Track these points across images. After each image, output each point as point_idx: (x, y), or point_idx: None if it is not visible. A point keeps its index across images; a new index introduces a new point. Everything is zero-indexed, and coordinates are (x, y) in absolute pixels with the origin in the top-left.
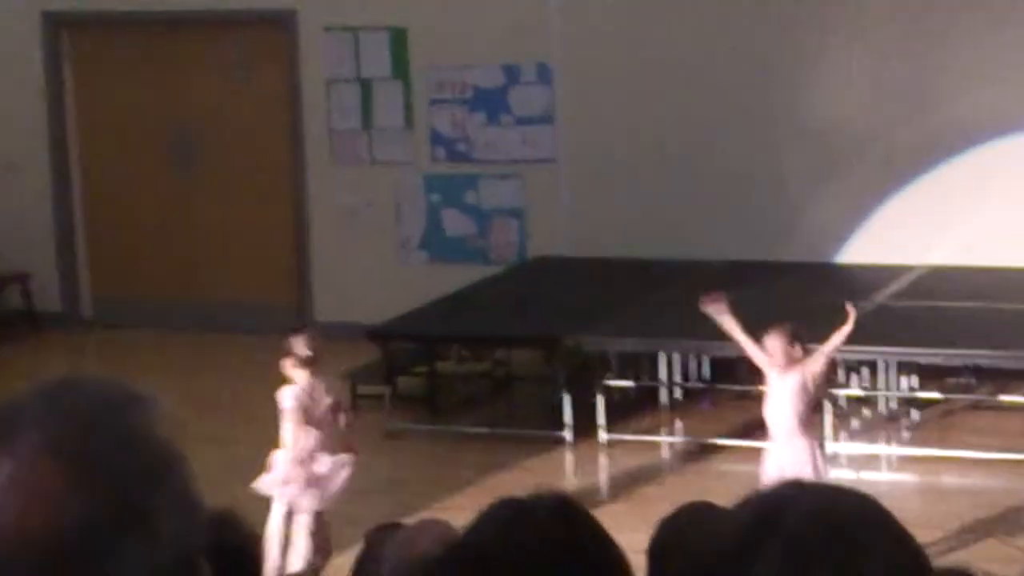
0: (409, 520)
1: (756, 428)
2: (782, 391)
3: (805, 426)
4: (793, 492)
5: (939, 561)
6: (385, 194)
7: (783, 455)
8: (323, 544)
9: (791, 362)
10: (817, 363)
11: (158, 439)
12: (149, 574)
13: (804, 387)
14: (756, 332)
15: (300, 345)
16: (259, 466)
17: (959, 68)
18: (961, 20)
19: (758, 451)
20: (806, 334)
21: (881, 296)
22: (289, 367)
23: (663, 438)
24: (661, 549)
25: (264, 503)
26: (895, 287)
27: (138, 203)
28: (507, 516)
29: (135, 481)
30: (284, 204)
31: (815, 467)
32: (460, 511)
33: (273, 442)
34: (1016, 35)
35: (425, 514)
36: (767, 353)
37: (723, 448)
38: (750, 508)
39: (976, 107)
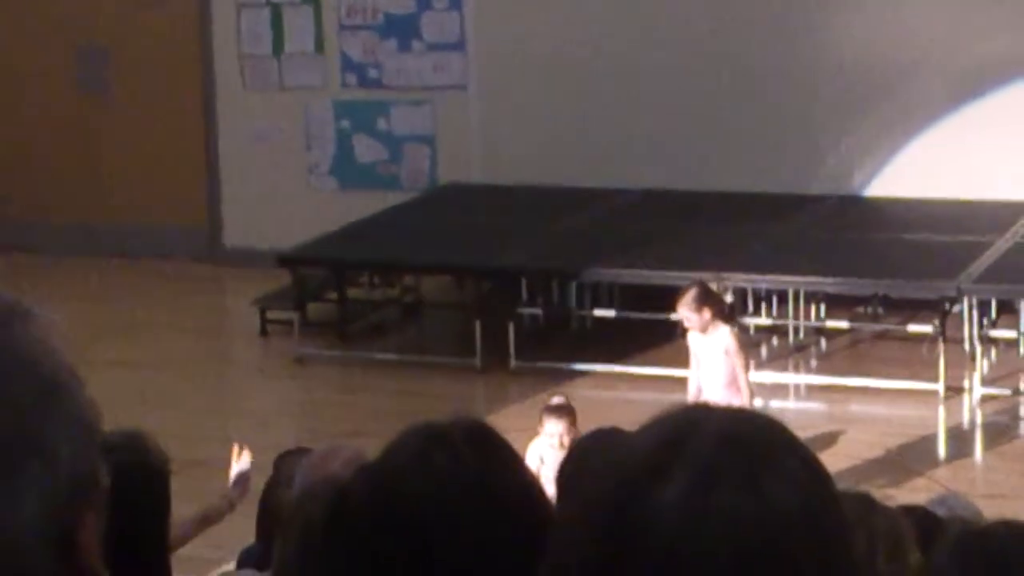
0: (318, 446)
1: (665, 357)
2: (705, 352)
3: (734, 386)
4: (700, 415)
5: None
6: (296, 120)
7: None
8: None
9: (706, 325)
10: (731, 341)
11: (48, 359)
12: (46, 500)
13: (726, 351)
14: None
15: None
16: (167, 389)
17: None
18: None
19: (669, 379)
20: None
21: (792, 225)
22: None
23: (574, 365)
24: (569, 475)
25: (162, 423)
26: (805, 216)
27: (46, 125)
28: (422, 440)
29: (25, 406)
30: (194, 129)
31: None
32: (370, 437)
33: (180, 366)
34: None
35: (334, 440)
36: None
37: (633, 376)
38: (657, 431)
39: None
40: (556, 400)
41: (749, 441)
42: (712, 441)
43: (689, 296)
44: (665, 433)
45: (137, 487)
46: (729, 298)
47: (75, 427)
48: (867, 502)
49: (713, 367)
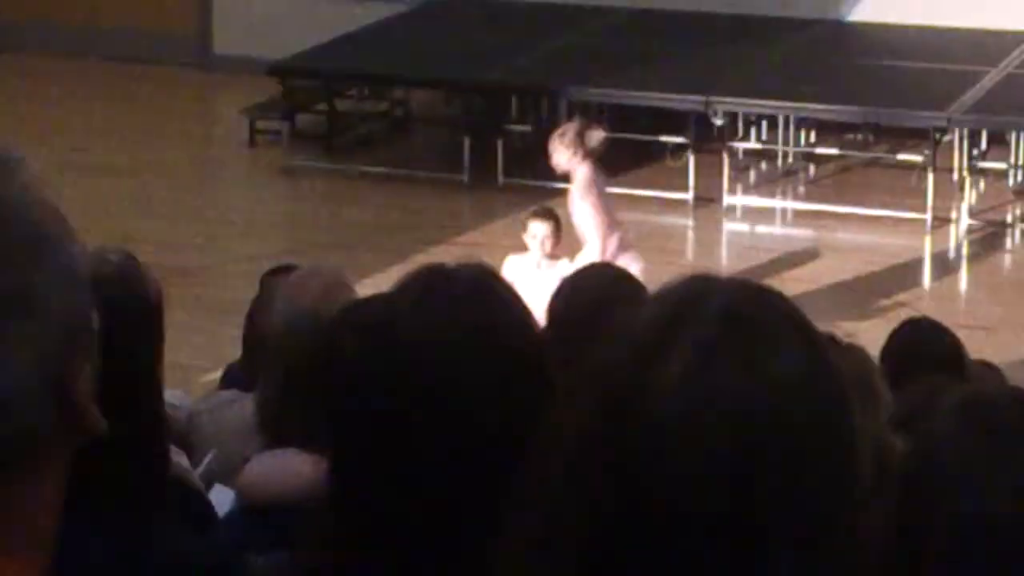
0: (304, 259)
1: (651, 178)
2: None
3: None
4: (702, 291)
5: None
6: None
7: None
8: None
9: (573, 165)
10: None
11: (33, 207)
12: (38, 351)
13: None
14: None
15: None
16: (153, 196)
17: None
18: None
19: (654, 200)
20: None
21: (783, 50)
22: None
23: (561, 184)
24: (567, 324)
25: (150, 230)
26: (797, 40)
27: None
28: (423, 284)
29: (12, 260)
30: None
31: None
32: (355, 250)
33: (168, 173)
34: None
35: (320, 252)
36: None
37: (620, 197)
38: (659, 309)
39: None
40: (541, 206)
41: (749, 318)
42: (712, 320)
43: (567, 132)
44: (666, 311)
45: (130, 322)
46: (719, 122)
47: (65, 277)
48: (830, 343)
49: (576, 209)
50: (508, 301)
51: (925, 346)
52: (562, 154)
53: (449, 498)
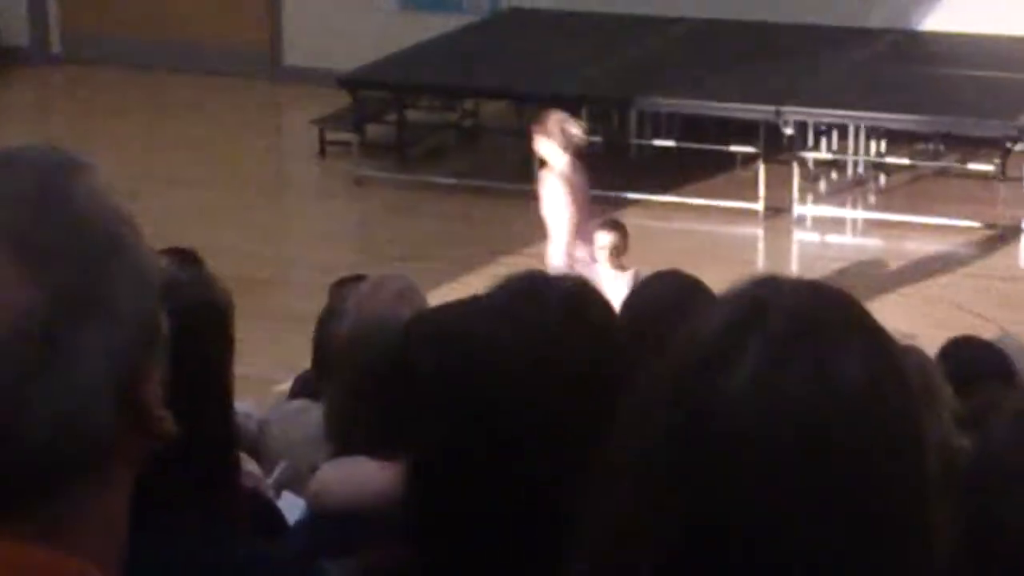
0: (373, 270)
1: (720, 188)
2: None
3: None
4: (770, 293)
5: (898, 327)
6: None
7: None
8: None
9: (555, 154)
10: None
11: (106, 213)
12: (111, 355)
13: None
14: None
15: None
16: (225, 208)
17: None
18: None
19: (724, 210)
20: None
21: (854, 59)
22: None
23: (630, 194)
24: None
25: (221, 241)
26: (867, 50)
27: None
28: (515, 291)
29: (87, 264)
30: None
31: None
32: (425, 260)
33: (239, 184)
34: None
35: (387, 267)
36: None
37: (688, 207)
38: (727, 313)
39: None
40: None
41: (817, 322)
42: (780, 324)
43: (550, 120)
44: (733, 315)
45: (200, 328)
46: (789, 131)
47: (136, 281)
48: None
49: (547, 196)
50: (597, 321)
51: (976, 357)
52: (545, 142)
53: (525, 509)
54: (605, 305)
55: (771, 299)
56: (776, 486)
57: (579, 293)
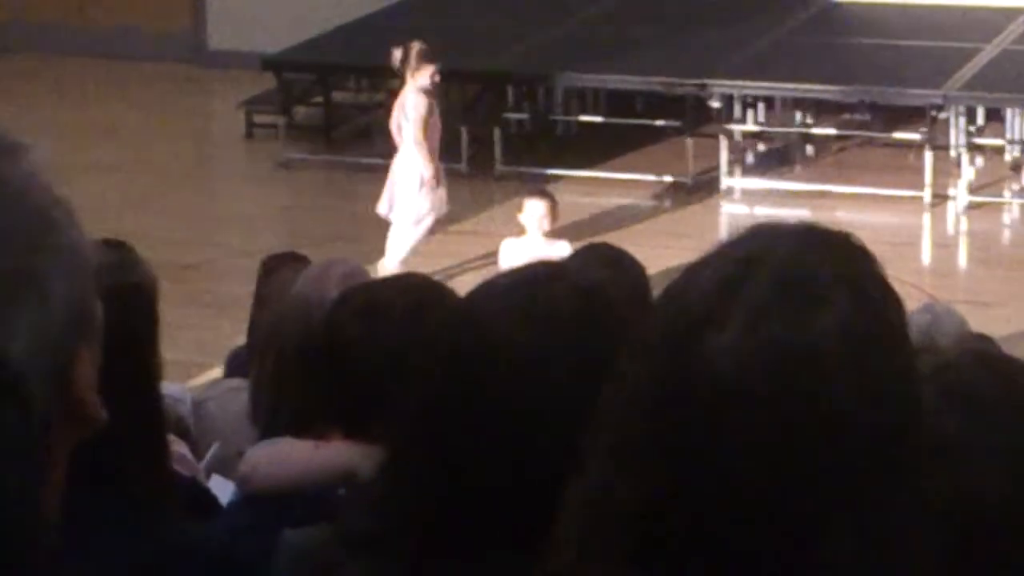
0: (302, 252)
1: (648, 163)
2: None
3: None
4: (764, 247)
5: None
6: None
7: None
8: None
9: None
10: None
11: (39, 193)
12: (40, 335)
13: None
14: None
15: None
16: (151, 193)
17: None
18: None
19: (651, 184)
20: None
21: (779, 31)
22: None
23: (559, 170)
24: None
25: (147, 227)
26: (792, 21)
27: None
28: (528, 275)
29: (17, 241)
30: None
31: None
32: (353, 242)
33: (164, 169)
34: None
35: (318, 245)
36: None
37: (616, 182)
38: (719, 269)
39: None
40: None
41: (804, 277)
42: (767, 283)
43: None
44: (725, 273)
45: (125, 310)
46: (716, 104)
47: (69, 262)
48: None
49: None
50: (605, 317)
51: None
52: (403, 60)
53: (512, 478)
54: (608, 302)
55: (764, 254)
56: (753, 444)
57: (588, 288)
